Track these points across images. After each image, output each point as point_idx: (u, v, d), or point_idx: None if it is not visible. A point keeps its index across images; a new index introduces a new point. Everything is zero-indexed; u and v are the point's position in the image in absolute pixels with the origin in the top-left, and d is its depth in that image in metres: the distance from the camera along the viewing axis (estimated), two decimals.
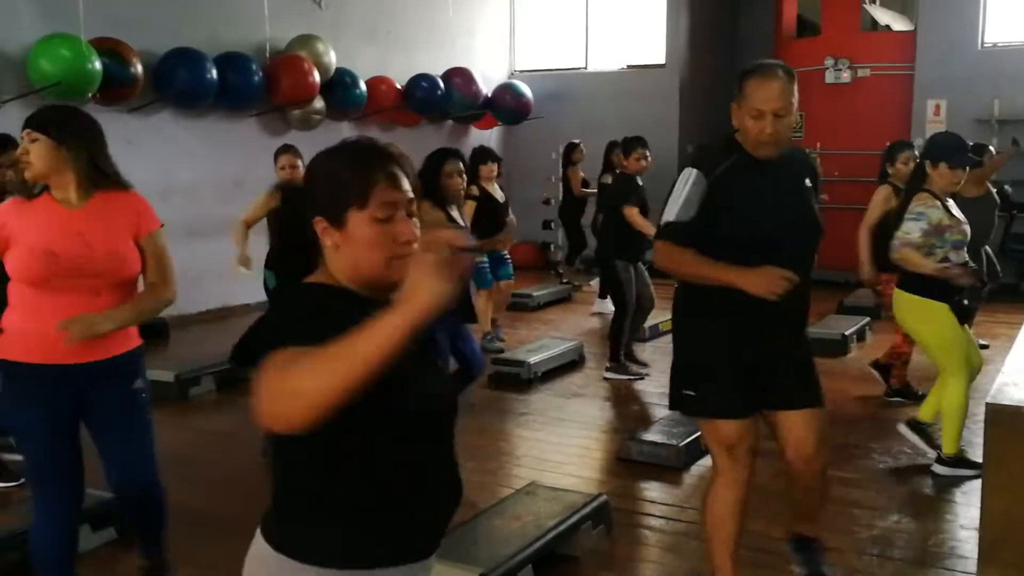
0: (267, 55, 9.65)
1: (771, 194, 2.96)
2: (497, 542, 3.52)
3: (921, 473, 4.71)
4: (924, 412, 4.92)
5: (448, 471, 1.74)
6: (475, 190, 6.63)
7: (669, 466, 4.75)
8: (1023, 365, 3.57)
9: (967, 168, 4.50)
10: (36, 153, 2.88)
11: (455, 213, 4.99)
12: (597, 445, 5.27)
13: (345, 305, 1.62)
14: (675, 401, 3.15)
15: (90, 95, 7.73)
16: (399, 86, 11.08)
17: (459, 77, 11.68)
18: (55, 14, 7.74)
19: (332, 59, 10.01)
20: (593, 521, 3.84)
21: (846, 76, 11.50)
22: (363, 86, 10.43)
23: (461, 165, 5.03)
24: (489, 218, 6.56)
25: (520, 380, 6.49)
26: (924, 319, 4.52)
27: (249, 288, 8.43)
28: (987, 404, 3.14)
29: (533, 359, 6.68)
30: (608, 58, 13.42)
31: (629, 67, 13.27)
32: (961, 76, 10.79)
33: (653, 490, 4.54)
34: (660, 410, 5.43)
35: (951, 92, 10.90)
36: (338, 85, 10.13)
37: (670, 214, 2.94)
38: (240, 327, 6.83)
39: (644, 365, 6.76)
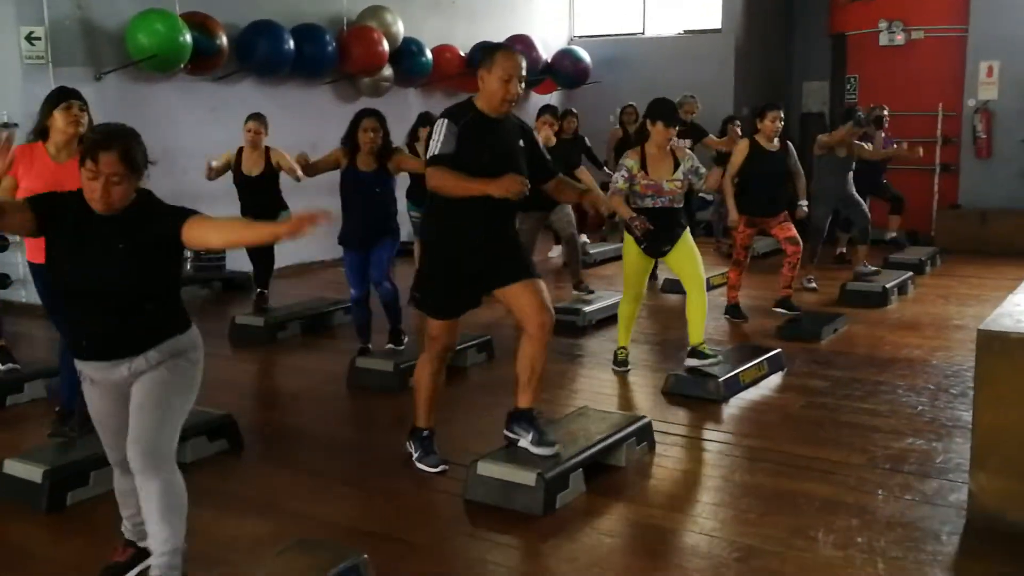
0: (342, 26, 10.24)
1: (495, 143, 3.97)
2: None
3: (941, 406, 5.16)
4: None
5: (98, 327, 2.88)
6: (419, 149, 7.49)
7: (709, 399, 5.26)
8: (1021, 300, 4.03)
9: (676, 127, 5.57)
10: (83, 121, 4.37)
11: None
12: (644, 382, 5.78)
13: (70, 203, 2.91)
14: (412, 300, 4.46)
15: (181, 66, 8.39)
16: (463, 54, 11.60)
17: (520, 44, 12.11)
18: None
19: (400, 29, 10.57)
20: (637, 438, 4.39)
21: (900, 38, 11.69)
22: (429, 54, 10.98)
23: (376, 123, 5.82)
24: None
25: (576, 327, 7.03)
26: (624, 246, 5.70)
27: (324, 246, 9.09)
28: (979, 331, 3.63)
29: (587, 308, 7.24)
30: (665, 23, 13.76)
31: (686, 32, 13.60)
32: (1015, 37, 10.94)
33: (693, 418, 5.06)
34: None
35: (1004, 53, 11.05)
36: (405, 54, 10.70)
37: (435, 150, 3.92)
38: (316, 282, 7.72)
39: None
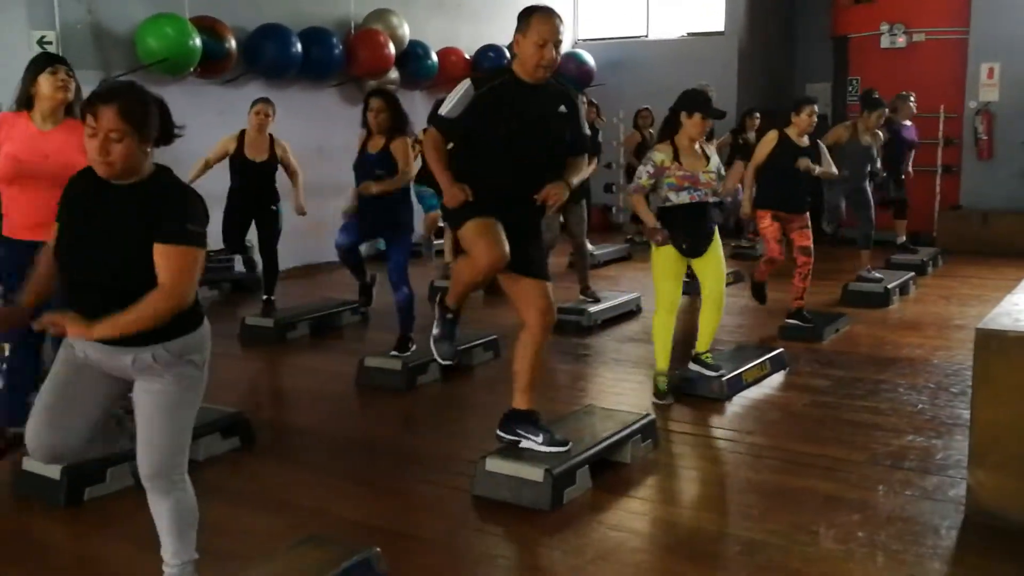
0: (350, 29, 10.33)
1: (525, 109, 3.84)
2: None
3: (942, 404, 5.23)
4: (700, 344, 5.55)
5: (86, 304, 2.66)
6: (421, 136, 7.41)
7: (712, 397, 5.34)
8: (1019, 300, 4.11)
9: (714, 118, 5.22)
10: (71, 87, 4.21)
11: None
12: (648, 380, 5.83)
13: (85, 180, 2.74)
14: (450, 225, 4.12)
15: (191, 70, 8.48)
16: (468, 56, 11.70)
17: None
18: None
19: (406, 31, 10.67)
20: (642, 435, 4.47)
21: (901, 41, 11.78)
22: (434, 57, 11.08)
23: (381, 103, 5.81)
24: None
25: (581, 327, 7.13)
26: (654, 252, 5.27)
27: (331, 247, 9.17)
28: (977, 330, 3.71)
29: (592, 308, 7.33)
30: (668, 26, 13.84)
31: (689, 34, 13.68)
32: (1015, 39, 11.02)
33: (697, 416, 5.14)
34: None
35: (1005, 55, 11.14)
36: (411, 56, 10.80)
37: (443, 110, 3.87)
38: (323, 283, 7.73)
39: None
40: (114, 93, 2.63)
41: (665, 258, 5.19)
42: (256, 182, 7.11)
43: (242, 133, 7.12)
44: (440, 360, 4.30)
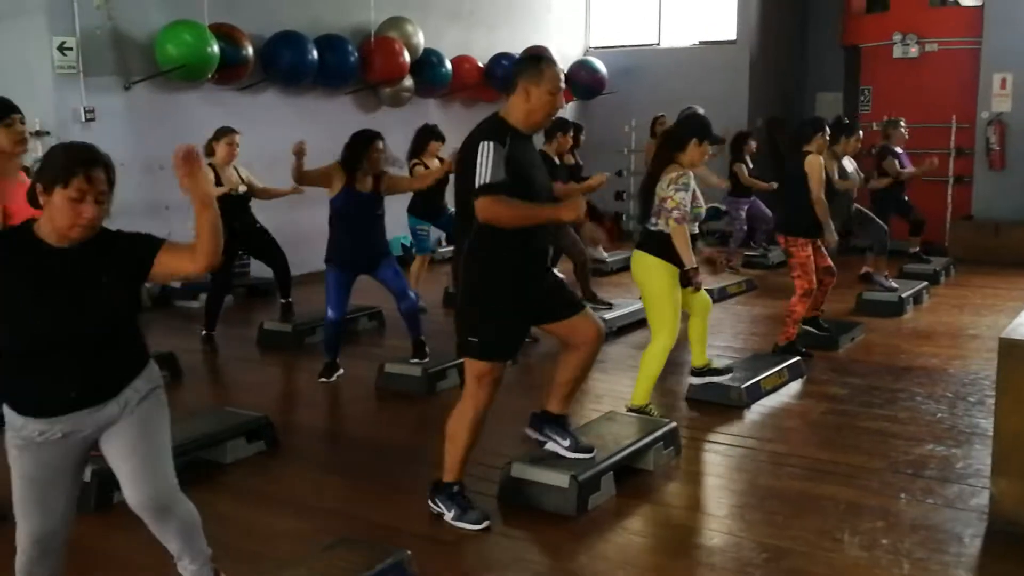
0: (369, 36, 10.39)
1: (533, 159, 3.84)
2: None
3: (960, 413, 5.25)
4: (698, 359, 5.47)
5: (68, 375, 2.61)
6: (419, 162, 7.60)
7: (731, 405, 5.38)
8: None
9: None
10: (27, 139, 4.11)
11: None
12: (666, 388, 5.87)
13: (12, 243, 2.59)
14: (462, 348, 3.80)
15: (208, 76, 8.55)
16: (481, 64, 11.76)
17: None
18: (179, 2, 8.57)
19: (421, 40, 10.72)
20: (664, 442, 4.50)
21: (914, 51, 11.82)
22: (448, 65, 11.13)
23: (380, 145, 5.93)
24: (428, 188, 7.09)
25: None
26: (654, 276, 4.91)
27: None
28: (1000, 339, 3.74)
29: (608, 316, 7.35)
30: (680, 34, 13.90)
31: (701, 43, 13.74)
32: None
33: (717, 423, 5.17)
34: (723, 360, 6.01)
35: (1018, 66, 11.16)
36: (425, 64, 10.86)
37: (485, 178, 3.54)
38: None
39: None
40: (95, 154, 2.58)
41: (674, 287, 4.91)
42: (244, 214, 7.10)
43: (210, 167, 6.79)
44: (475, 527, 3.80)
